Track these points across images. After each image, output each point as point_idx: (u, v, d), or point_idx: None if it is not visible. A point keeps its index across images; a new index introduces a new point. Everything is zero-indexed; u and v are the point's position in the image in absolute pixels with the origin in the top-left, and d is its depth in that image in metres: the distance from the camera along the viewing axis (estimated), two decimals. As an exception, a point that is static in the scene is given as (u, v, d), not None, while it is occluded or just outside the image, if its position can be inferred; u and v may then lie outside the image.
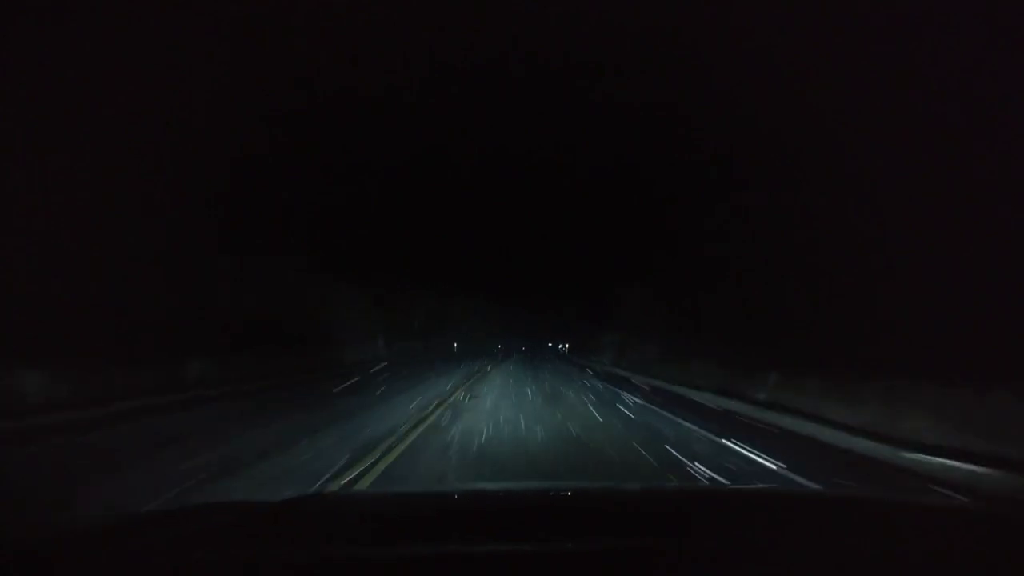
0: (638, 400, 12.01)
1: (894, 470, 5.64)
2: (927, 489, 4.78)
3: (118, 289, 11.39)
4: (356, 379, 15.24)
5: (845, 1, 9.33)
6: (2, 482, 5.02)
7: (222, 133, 12.94)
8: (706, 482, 4.86)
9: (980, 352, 6.13)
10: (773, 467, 5.69)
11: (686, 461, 5.84)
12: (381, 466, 5.34)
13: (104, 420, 8.16)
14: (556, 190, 31.02)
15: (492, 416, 8.88)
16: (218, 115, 12.72)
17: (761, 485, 4.45)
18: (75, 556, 0.90)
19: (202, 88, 12.22)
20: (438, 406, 9.99)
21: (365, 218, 24.68)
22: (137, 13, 10.31)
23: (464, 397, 11.86)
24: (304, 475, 4.90)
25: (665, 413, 9.95)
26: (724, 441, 7.07)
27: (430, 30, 15.33)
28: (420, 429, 7.51)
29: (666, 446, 6.64)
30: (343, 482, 4.72)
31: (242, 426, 7.79)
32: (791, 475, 5.24)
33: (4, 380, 8.39)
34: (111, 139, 10.74)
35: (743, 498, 1.53)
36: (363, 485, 4.70)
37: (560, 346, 45.55)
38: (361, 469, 5.18)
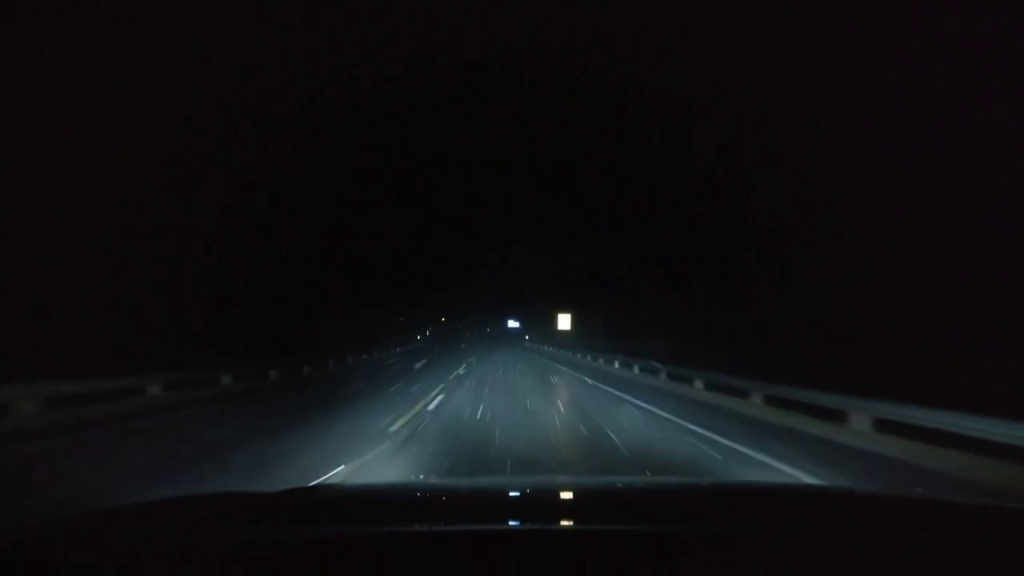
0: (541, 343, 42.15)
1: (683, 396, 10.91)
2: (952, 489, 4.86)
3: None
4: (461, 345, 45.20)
5: (845, 2, 9.32)
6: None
7: (223, 133, 12.94)
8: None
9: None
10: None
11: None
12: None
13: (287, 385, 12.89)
14: (556, 190, 31.16)
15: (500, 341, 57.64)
16: (218, 115, 12.71)
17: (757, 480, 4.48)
18: (71, 546, 0.92)
19: (203, 88, 12.21)
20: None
21: (380, 223, 25.85)
22: (138, 13, 10.33)
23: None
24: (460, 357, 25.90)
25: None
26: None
27: (430, 30, 15.34)
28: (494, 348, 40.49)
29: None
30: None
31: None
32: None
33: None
34: (118, 139, 10.74)
35: (744, 494, 1.54)
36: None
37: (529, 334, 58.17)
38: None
